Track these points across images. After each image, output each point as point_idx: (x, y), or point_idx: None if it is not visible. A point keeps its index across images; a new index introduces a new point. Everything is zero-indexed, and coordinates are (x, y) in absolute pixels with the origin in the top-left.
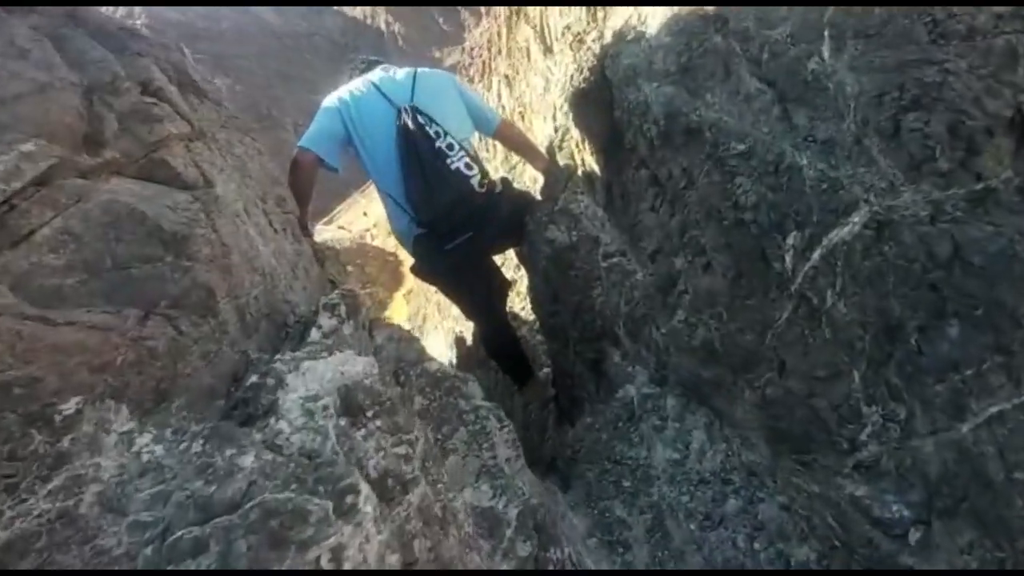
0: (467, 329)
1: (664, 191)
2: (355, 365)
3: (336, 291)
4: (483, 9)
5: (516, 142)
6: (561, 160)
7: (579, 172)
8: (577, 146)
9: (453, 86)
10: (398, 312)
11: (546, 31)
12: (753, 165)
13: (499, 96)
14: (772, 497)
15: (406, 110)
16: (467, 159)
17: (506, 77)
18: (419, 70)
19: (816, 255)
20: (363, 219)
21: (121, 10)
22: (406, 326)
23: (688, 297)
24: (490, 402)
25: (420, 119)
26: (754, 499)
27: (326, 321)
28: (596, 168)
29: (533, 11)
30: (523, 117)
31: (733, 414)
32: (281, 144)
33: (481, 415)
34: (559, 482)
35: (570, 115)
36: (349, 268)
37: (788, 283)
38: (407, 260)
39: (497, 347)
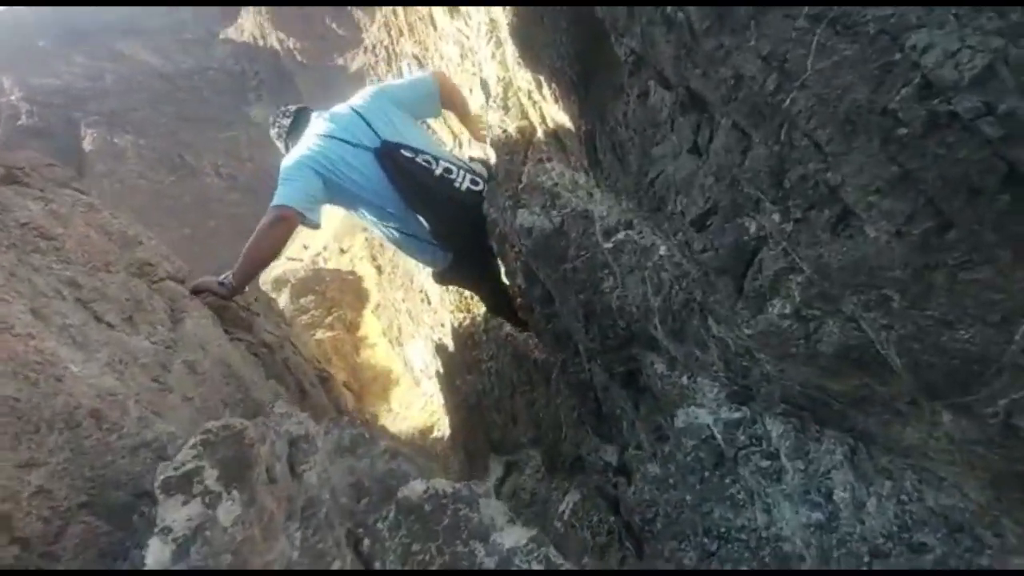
0: (446, 335)
1: (712, 115)
2: None
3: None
4: None
5: (457, 99)
6: (511, 122)
7: (539, 132)
8: (530, 98)
9: (388, 100)
10: (371, 328)
11: None
12: None
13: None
14: (1005, 556)
15: (386, 152)
16: (469, 175)
17: (415, 57)
18: (356, 104)
19: None
20: (305, 250)
21: None
22: (382, 340)
23: (799, 277)
24: (529, 535)
25: (405, 152)
26: (973, 564)
27: (177, 513)
28: (566, 119)
29: None
30: None
31: (894, 438)
32: (205, 189)
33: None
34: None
35: (513, 60)
36: (310, 297)
37: None
38: (367, 276)
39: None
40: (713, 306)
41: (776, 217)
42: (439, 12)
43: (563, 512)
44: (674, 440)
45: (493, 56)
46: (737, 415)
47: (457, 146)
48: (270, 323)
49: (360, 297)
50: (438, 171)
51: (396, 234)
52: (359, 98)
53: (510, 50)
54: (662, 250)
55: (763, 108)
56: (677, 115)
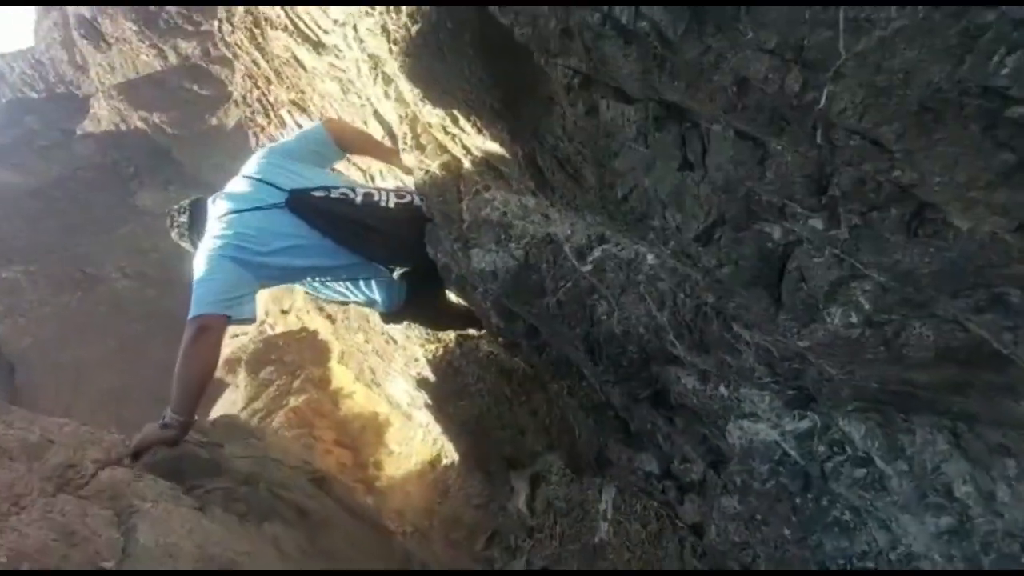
0: (423, 368)
1: (697, 125)
2: None
3: None
4: (226, 51)
5: (357, 138)
6: (431, 160)
7: (466, 164)
8: (446, 132)
9: (281, 156)
10: (343, 379)
11: (300, 23)
12: None
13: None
14: None
15: (297, 200)
16: (393, 194)
17: (293, 103)
18: (249, 171)
19: None
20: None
21: None
22: (358, 386)
23: (867, 284)
24: None
25: (317, 194)
26: None
27: None
28: (496, 147)
29: (271, 11)
30: None
31: (1005, 412)
32: (117, 295)
33: None
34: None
35: (413, 97)
36: (269, 368)
37: None
38: (321, 328)
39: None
40: (737, 311)
41: (818, 224)
42: (304, 53)
43: (605, 511)
44: (740, 465)
45: (387, 95)
46: (805, 424)
47: (370, 180)
48: (239, 446)
49: (321, 352)
50: (359, 199)
51: (342, 286)
52: (250, 165)
53: (406, 87)
54: (650, 259)
55: (785, 112)
56: (651, 130)
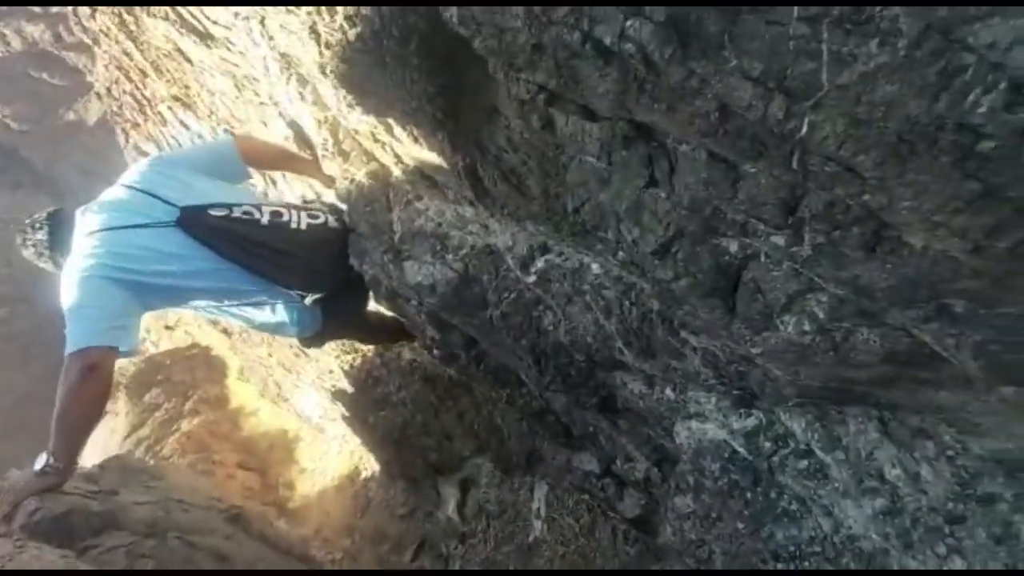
0: (339, 380)
1: (663, 145)
2: None
3: None
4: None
5: (270, 156)
6: (356, 169)
7: (396, 172)
8: (375, 140)
9: (176, 166)
10: (243, 396)
11: (185, 12)
12: None
13: (184, 131)
14: None
15: (190, 218)
16: (304, 213)
17: (175, 99)
18: (131, 180)
19: None
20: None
21: None
22: (262, 403)
23: (823, 296)
24: None
25: (215, 212)
26: None
27: None
28: (433, 157)
29: None
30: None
31: (923, 401)
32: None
33: None
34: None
35: (339, 103)
36: (154, 391)
37: None
38: (215, 343)
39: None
40: (685, 318)
41: (779, 240)
42: (190, 45)
43: (538, 509)
44: (692, 465)
45: (302, 97)
46: (752, 421)
47: (271, 184)
48: (135, 490)
49: (215, 369)
50: (264, 219)
51: (245, 311)
52: (132, 174)
53: (329, 91)
54: (595, 268)
55: (766, 138)
56: (617, 148)
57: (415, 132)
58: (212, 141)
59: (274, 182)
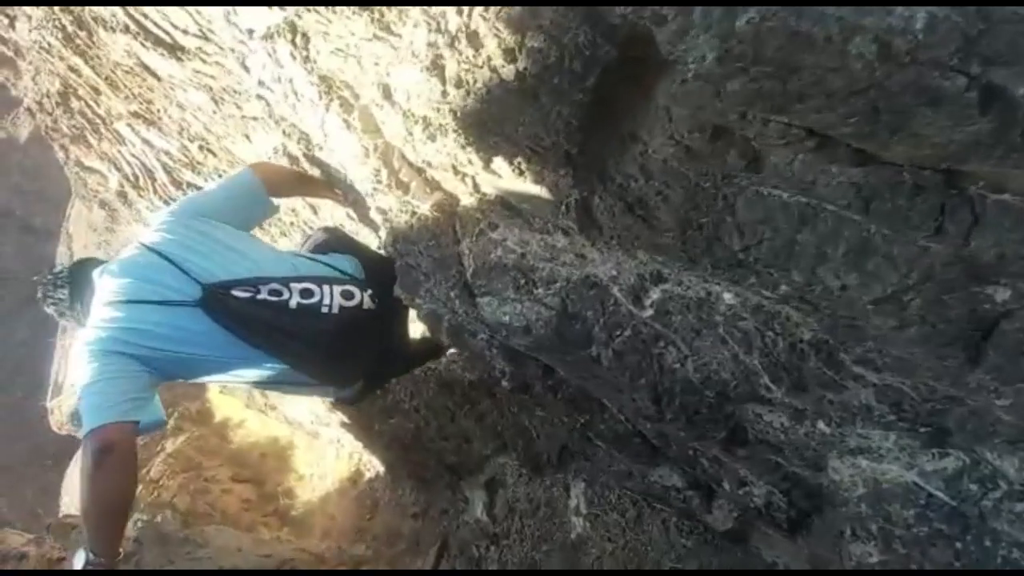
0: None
1: (964, 192)
2: None
3: None
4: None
5: (291, 181)
6: (420, 203)
7: (467, 201)
8: (456, 172)
9: (194, 217)
10: (228, 409)
11: (149, 24)
12: None
13: (148, 149)
14: None
15: (214, 301)
16: (338, 288)
17: (137, 116)
18: (153, 240)
19: None
20: None
21: None
22: (248, 414)
23: None
24: None
25: (239, 294)
26: None
27: None
28: (538, 190)
29: (102, 10)
30: (211, 155)
31: None
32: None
33: None
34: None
35: (410, 130)
36: None
37: None
38: None
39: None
40: (867, 355)
41: None
42: (156, 59)
43: (577, 506)
44: (872, 511)
45: (348, 126)
46: (950, 462)
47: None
48: (184, 563)
49: (194, 385)
50: (293, 302)
51: (276, 383)
52: (155, 230)
53: (393, 118)
54: (727, 298)
55: None
56: (888, 196)
57: (524, 166)
58: (230, 180)
59: (315, 209)
